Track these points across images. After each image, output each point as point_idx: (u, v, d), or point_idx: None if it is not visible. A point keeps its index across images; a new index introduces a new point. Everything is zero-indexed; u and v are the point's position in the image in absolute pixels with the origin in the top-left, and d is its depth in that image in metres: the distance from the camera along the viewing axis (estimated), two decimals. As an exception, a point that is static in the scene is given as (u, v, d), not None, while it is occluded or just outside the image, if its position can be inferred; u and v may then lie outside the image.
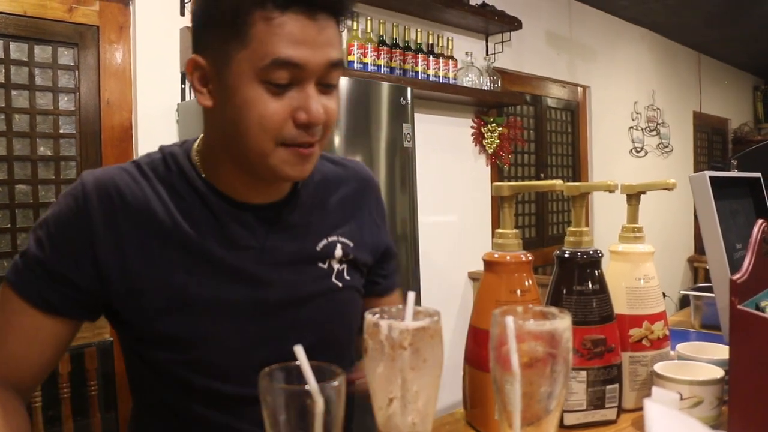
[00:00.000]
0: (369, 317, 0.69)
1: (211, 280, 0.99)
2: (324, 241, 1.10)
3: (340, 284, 1.11)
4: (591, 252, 1.02)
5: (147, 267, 0.97)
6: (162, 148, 1.06)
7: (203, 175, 1.02)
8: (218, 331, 1.00)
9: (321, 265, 1.09)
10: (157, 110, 2.65)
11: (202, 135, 1.06)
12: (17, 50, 2.37)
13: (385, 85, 2.76)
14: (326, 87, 0.95)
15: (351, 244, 1.13)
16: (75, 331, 1.02)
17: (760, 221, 1.02)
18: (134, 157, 1.08)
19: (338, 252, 1.11)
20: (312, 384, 0.61)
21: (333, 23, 0.94)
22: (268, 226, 1.04)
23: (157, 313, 0.97)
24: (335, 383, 0.61)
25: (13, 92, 2.36)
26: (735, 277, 0.92)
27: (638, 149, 5.77)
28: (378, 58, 3.25)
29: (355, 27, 3.20)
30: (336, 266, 1.11)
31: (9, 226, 2.35)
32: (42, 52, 2.43)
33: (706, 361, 1.06)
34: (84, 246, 0.95)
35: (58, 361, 1.02)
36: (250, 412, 0.98)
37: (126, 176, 1.00)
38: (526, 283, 0.98)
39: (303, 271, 1.07)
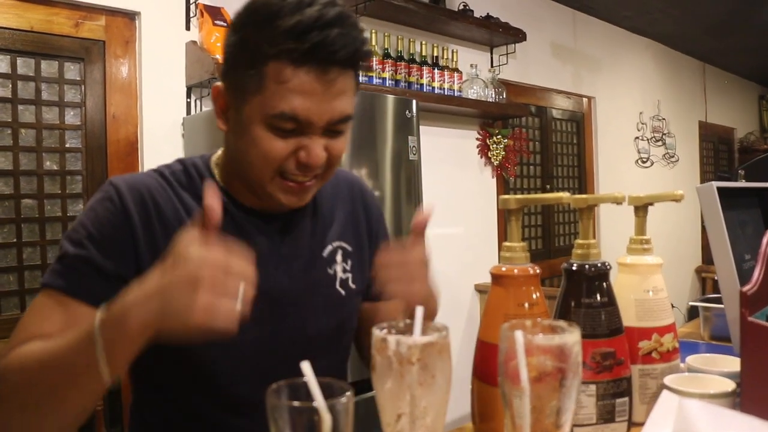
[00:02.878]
0: (377, 333, 0.69)
1: None
2: (329, 247, 1.15)
3: (344, 293, 1.16)
4: (599, 264, 1.02)
5: None
6: (181, 160, 1.11)
7: (222, 185, 1.07)
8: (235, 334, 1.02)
9: (329, 271, 1.15)
10: (163, 124, 2.66)
11: (220, 150, 1.12)
12: (24, 65, 2.38)
13: (391, 98, 2.76)
14: (334, 132, 0.99)
15: (350, 248, 1.19)
16: None
17: (770, 232, 1.01)
18: (140, 171, 1.12)
19: (339, 257, 1.16)
20: (319, 400, 0.60)
21: (346, 74, 0.96)
22: (282, 233, 1.09)
23: None
24: (343, 399, 0.61)
25: (20, 107, 2.37)
26: (745, 288, 0.91)
27: (644, 160, 5.76)
28: (383, 71, 3.26)
29: (359, 40, 3.21)
30: (340, 274, 1.16)
31: (15, 240, 2.35)
32: (48, 67, 2.44)
33: (716, 373, 1.04)
34: (127, 243, 0.98)
35: None
36: (260, 415, 0.99)
37: (154, 183, 1.04)
38: (534, 296, 0.97)
39: (313, 279, 1.12)
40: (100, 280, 0.95)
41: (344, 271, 1.17)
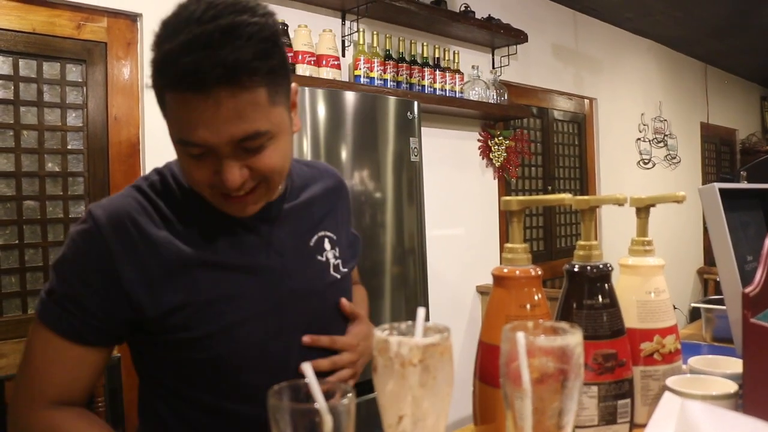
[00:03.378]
0: (378, 334, 0.69)
1: (231, 284, 1.07)
2: (315, 236, 1.20)
3: (339, 276, 1.22)
4: (601, 266, 1.01)
5: (173, 286, 1.03)
6: (159, 170, 1.12)
7: None
8: (242, 327, 1.07)
9: (319, 258, 1.19)
10: (165, 126, 2.64)
11: None
12: (26, 67, 2.39)
13: (392, 100, 2.77)
14: (251, 150, 0.95)
15: (334, 237, 1.24)
16: (109, 355, 1.07)
17: (772, 233, 1.01)
18: (142, 173, 1.16)
19: (327, 245, 1.21)
20: (321, 402, 0.60)
21: (237, 92, 0.90)
22: (269, 222, 1.12)
23: (189, 323, 1.04)
24: (344, 401, 0.61)
25: (22, 108, 2.37)
26: (747, 290, 0.91)
27: (646, 161, 5.76)
28: (384, 73, 3.26)
29: (361, 41, 3.22)
30: (332, 260, 1.22)
31: (17, 242, 2.36)
32: (50, 69, 2.44)
33: (719, 375, 1.04)
34: (109, 277, 1.00)
35: (97, 380, 1.08)
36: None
37: (133, 203, 1.04)
38: (536, 298, 0.97)
39: (306, 264, 1.17)
40: (84, 318, 1.00)
41: (335, 257, 1.22)
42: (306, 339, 1.12)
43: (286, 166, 1.03)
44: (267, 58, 0.92)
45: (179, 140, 0.95)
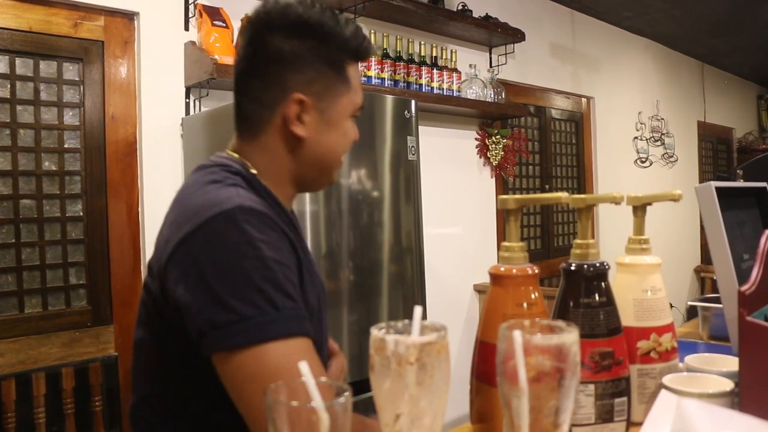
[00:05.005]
0: (375, 333, 0.69)
1: (312, 287, 1.10)
2: None
3: None
4: (597, 264, 1.02)
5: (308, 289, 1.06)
6: (241, 174, 1.08)
7: (270, 193, 1.10)
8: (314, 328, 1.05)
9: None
10: (162, 125, 2.66)
11: (232, 161, 1.11)
12: (23, 66, 2.38)
13: (389, 98, 2.76)
14: None
15: None
16: None
17: (768, 232, 1.01)
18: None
19: None
20: (317, 400, 0.60)
21: None
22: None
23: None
24: (341, 399, 0.61)
25: (18, 107, 2.37)
26: (743, 288, 0.91)
27: (643, 159, 5.76)
28: (382, 71, 3.26)
29: (358, 40, 3.21)
30: None
31: (13, 241, 2.35)
32: (47, 68, 2.44)
33: (715, 373, 1.05)
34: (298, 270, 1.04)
35: None
36: None
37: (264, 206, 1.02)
38: (533, 296, 0.97)
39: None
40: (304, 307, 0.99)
41: None
42: None
43: None
44: None
45: (360, 105, 1.16)
